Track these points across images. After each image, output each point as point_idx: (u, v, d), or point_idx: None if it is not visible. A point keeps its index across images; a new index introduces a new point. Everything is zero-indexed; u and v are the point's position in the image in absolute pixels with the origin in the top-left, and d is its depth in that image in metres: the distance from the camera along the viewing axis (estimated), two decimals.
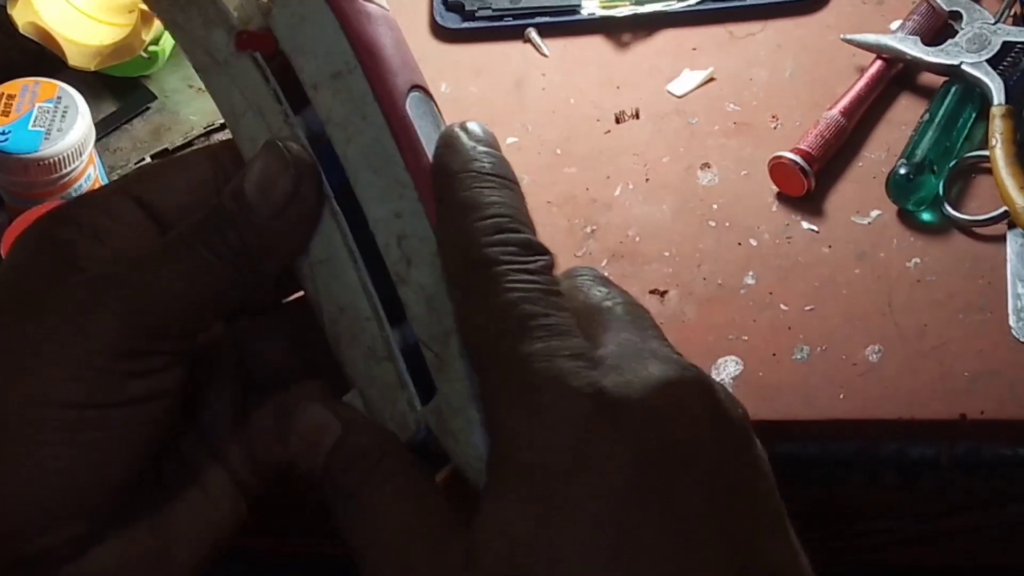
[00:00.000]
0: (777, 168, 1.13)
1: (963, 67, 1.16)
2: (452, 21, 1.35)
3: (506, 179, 0.52)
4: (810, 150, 1.13)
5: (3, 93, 1.18)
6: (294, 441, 0.52)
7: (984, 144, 1.12)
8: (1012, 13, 1.19)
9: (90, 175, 1.18)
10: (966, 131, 1.14)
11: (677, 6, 1.30)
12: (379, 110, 0.54)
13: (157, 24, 1.27)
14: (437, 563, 0.48)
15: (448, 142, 0.53)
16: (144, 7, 1.26)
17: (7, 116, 1.16)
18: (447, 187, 0.51)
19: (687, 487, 0.46)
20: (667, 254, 1.11)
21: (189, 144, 1.29)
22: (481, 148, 0.53)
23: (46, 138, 1.15)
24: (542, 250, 0.50)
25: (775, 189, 1.14)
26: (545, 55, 1.32)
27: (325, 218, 0.54)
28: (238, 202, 0.52)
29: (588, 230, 1.15)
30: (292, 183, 0.52)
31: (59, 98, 1.18)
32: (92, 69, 1.28)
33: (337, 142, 0.54)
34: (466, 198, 0.50)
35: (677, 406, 0.47)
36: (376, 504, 0.50)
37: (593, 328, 0.50)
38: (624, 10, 1.31)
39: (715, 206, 1.15)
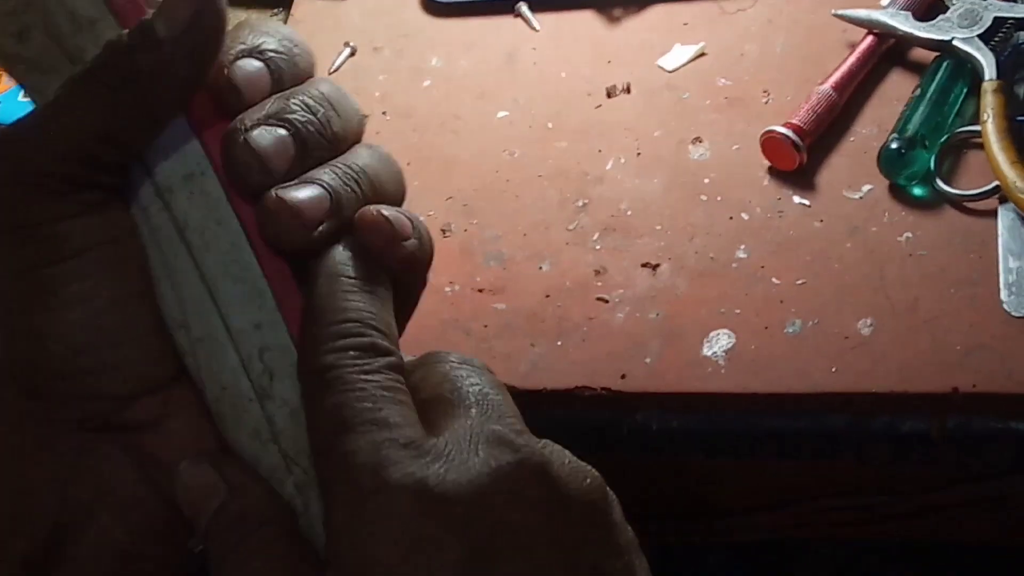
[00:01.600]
0: (769, 142, 1.13)
1: (954, 42, 1.16)
2: None
3: (366, 281, 0.53)
4: (802, 124, 1.13)
5: None
6: (181, 496, 0.53)
7: (975, 119, 1.12)
8: None
9: None
10: (957, 106, 1.14)
11: None
12: (234, 215, 0.53)
13: None
14: None
15: None
16: None
17: None
18: (307, 293, 0.53)
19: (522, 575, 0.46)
20: (659, 228, 1.11)
21: None
22: (342, 254, 0.54)
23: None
24: (385, 351, 0.51)
25: (767, 163, 1.14)
26: (536, 29, 1.32)
27: (200, 295, 0.53)
28: (142, 32, 0.52)
29: (579, 204, 1.15)
30: (193, 8, 0.52)
31: None
32: None
33: (195, 248, 0.53)
34: (320, 305, 0.52)
35: (508, 493, 0.47)
36: (246, 571, 0.51)
37: (436, 416, 0.51)
38: None
39: (707, 180, 1.15)
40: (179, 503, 0.53)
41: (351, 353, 0.50)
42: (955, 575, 1.31)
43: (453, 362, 0.54)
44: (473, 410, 0.50)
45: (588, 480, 0.50)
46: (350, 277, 0.53)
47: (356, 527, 0.47)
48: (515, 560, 0.46)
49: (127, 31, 0.52)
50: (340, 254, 0.54)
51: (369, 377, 0.50)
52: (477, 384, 0.52)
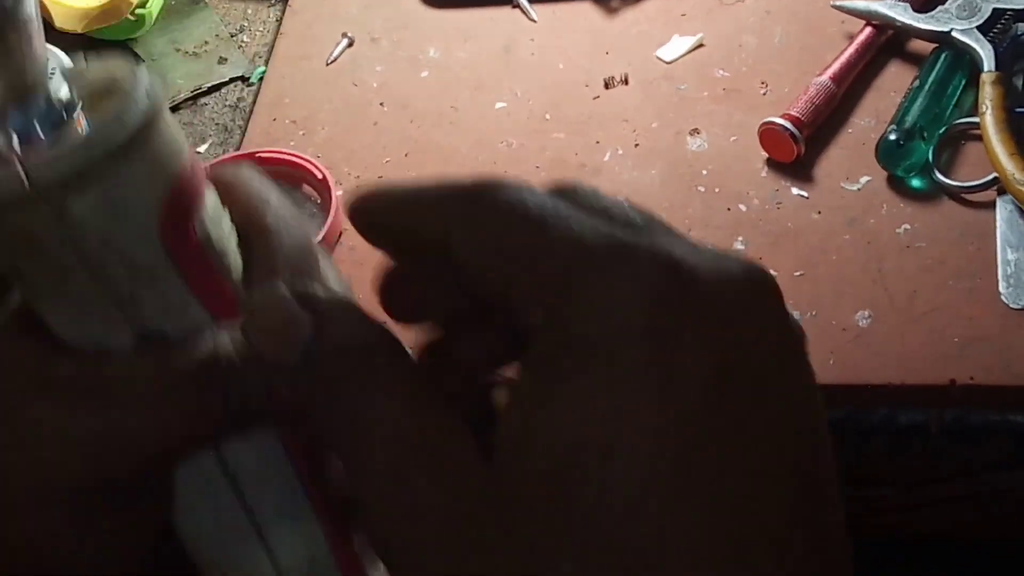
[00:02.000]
0: (767, 134, 1.13)
1: (953, 34, 1.16)
2: None
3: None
4: (800, 116, 1.13)
5: None
6: (260, 340, 0.43)
7: (974, 111, 1.12)
8: None
9: None
10: (956, 98, 1.14)
11: None
12: (291, 464, 0.48)
13: None
14: (439, 470, 0.41)
15: None
16: None
17: None
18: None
19: (762, 414, 0.39)
20: None
21: (176, 108, 1.28)
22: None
23: None
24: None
25: (764, 155, 1.14)
26: (534, 20, 1.31)
27: (246, 534, 0.49)
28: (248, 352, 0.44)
29: None
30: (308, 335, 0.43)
31: (46, 60, 1.17)
32: (79, 32, 1.27)
33: (246, 489, 0.48)
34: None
35: (756, 304, 0.40)
36: (367, 406, 0.42)
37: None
38: None
39: (704, 172, 1.14)
40: (259, 351, 0.43)
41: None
42: (953, 568, 1.31)
43: (594, 190, 0.44)
44: (662, 235, 0.41)
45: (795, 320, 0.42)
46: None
47: (597, 303, 0.38)
48: (759, 389, 0.39)
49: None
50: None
51: (526, 187, 0.41)
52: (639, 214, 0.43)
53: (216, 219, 0.47)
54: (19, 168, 0.42)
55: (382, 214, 0.45)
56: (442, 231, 0.42)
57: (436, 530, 0.40)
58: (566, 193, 0.42)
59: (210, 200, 0.46)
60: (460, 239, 0.42)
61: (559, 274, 0.39)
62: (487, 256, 0.41)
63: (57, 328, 0.46)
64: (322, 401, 0.42)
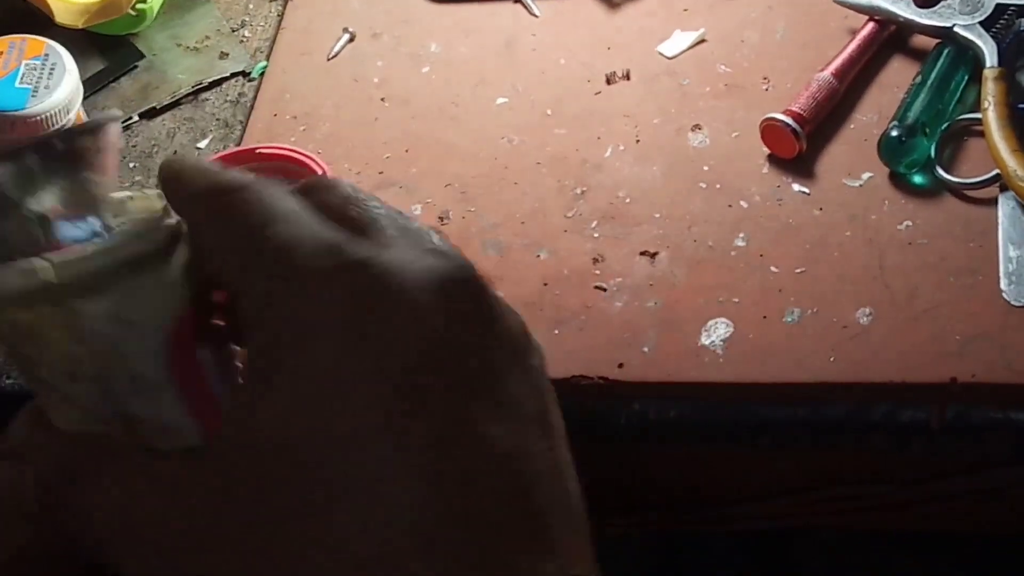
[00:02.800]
0: (768, 130, 1.13)
1: (956, 29, 1.15)
2: None
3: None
4: (801, 112, 1.13)
5: None
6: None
7: (976, 107, 1.11)
8: None
9: None
10: (958, 93, 1.14)
11: None
12: None
13: None
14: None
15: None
16: None
17: None
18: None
19: (461, 396, 0.44)
20: (657, 216, 1.11)
21: (177, 103, 1.28)
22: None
23: (33, 95, 1.14)
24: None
25: (766, 151, 1.14)
26: (536, 15, 1.31)
27: None
28: None
29: (578, 191, 1.14)
30: None
31: (46, 55, 1.17)
32: (79, 27, 1.27)
33: None
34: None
35: (454, 301, 0.44)
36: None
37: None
38: None
39: (706, 168, 1.14)
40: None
41: (234, 176, 0.47)
42: (954, 564, 1.30)
43: (350, 187, 0.49)
44: (390, 231, 0.46)
45: (514, 315, 0.47)
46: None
47: (298, 308, 0.43)
48: (458, 380, 0.43)
49: None
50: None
51: (271, 187, 0.46)
52: (383, 209, 0.48)
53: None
54: (36, 264, 0.45)
55: (172, 190, 0.49)
56: (193, 222, 0.48)
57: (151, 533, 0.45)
58: (314, 191, 0.47)
59: None
60: (200, 233, 0.47)
61: (268, 276, 0.44)
62: (215, 252, 0.46)
63: (58, 423, 0.47)
64: None
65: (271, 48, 1.33)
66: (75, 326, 0.45)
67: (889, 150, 1.09)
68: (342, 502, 0.42)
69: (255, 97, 1.28)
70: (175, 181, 0.48)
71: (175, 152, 1.24)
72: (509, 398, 0.45)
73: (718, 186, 1.12)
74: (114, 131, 0.49)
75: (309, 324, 0.43)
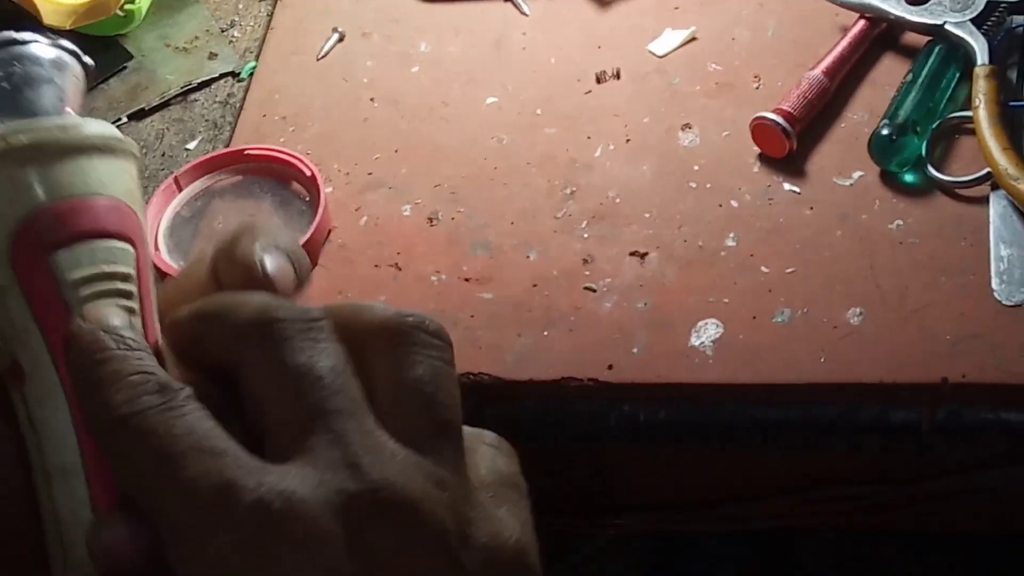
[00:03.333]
0: (759, 129, 1.12)
1: (947, 27, 1.15)
2: None
3: (132, 346, 0.50)
4: (792, 110, 1.12)
5: None
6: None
7: (967, 105, 1.11)
8: None
9: None
10: (949, 92, 1.13)
11: None
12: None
13: None
14: None
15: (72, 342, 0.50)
16: None
17: None
18: (78, 376, 0.49)
19: None
20: (647, 215, 1.10)
21: (166, 104, 1.28)
22: (90, 334, 0.50)
23: None
24: (177, 385, 0.48)
25: (757, 150, 1.13)
26: (526, 14, 1.31)
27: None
28: None
29: (568, 191, 1.14)
30: None
31: None
32: (67, 28, 1.26)
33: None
34: (94, 378, 0.49)
35: (355, 526, 0.45)
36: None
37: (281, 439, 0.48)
38: None
39: (696, 167, 1.14)
40: None
41: (145, 397, 0.47)
42: (946, 564, 1.30)
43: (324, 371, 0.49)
44: (324, 423, 0.47)
45: (441, 510, 0.47)
46: (117, 349, 0.49)
47: (197, 558, 0.45)
48: None
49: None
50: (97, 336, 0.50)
51: (177, 413, 0.47)
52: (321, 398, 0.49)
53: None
54: None
55: (190, 339, 0.51)
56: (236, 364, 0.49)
57: None
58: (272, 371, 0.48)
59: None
60: (245, 376, 0.49)
61: (172, 524, 0.46)
62: (256, 401, 0.48)
63: None
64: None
65: (260, 48, 1.32)
66: None
67: (880, 148, 1.09)
68: None
69: (244, 98, 1.27)
70: (82, 381, 0.49)
71: (164, 155, 1.23)
72: None
73: (708, 186, 1.12)
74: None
75: (215, 571, 0.44)
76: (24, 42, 0.52)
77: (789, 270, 1.05)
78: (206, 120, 1.26)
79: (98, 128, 0.52)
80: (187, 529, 0.45)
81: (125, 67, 1.31)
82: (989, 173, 1.06)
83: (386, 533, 0.45)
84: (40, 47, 0.53)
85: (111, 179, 0.51)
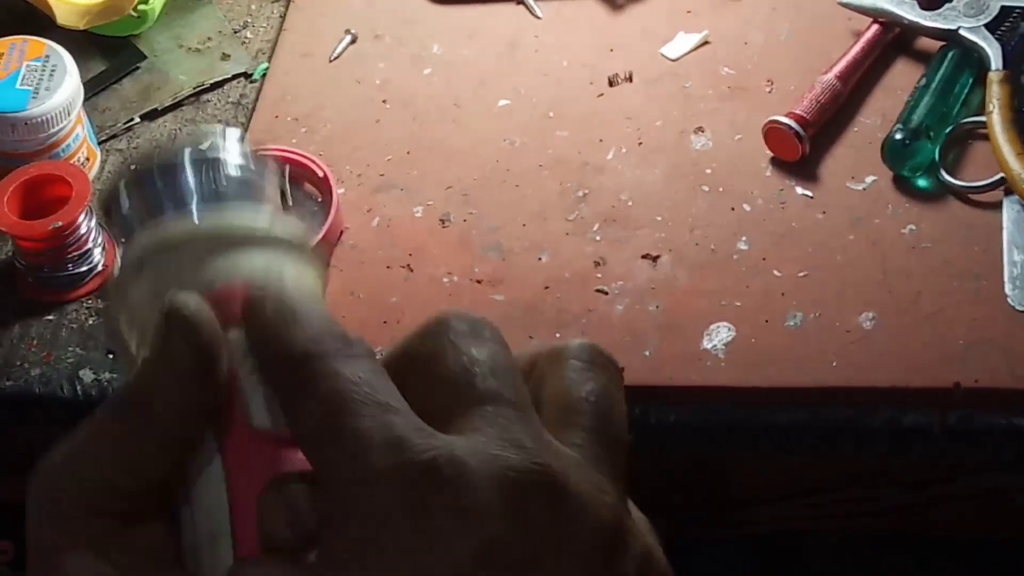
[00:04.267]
0: (771, 133, 1.12)
1: (960, 32, 1.15)
2: None
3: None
4: (805, 115, 1.12)
5: None
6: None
7: (981, 110, 1.11)
8: None
9: (78, 135, 1.17)
10: (963, 96, 1.13)
11: None
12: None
13: None
14: None
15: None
16: None
17: None
18: (263, 315, 0.49)
19: None
20: (659, 219, 1.11)
21: (178, 104, 1.28)
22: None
23: (34, 97, 1.14)
24: (357, 337, 0.48)
25: (769, 154, 1.13)
26: (538, 17, 1.31)
27: None
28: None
29: (580, 194, 1.14)
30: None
31: (47, 57, 1.16)
32: (81, 28, 1.26)
33: None
34: (281, 316, 0.48)
35: (518, 503, 0.44)
36: None
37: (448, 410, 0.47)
38: None
39: (708, 171, 1.14)
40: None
41: (328, 340, 0.47)
42: (956, 568, 1.30)
43: (460, 346, 0.48)
44: (489, 408, 0.46)
45: (607, 507, 0.46)
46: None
47: (363, 501, 0.44)
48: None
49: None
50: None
51: (357, 362, 0.47)
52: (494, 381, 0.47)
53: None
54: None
55: (259, 331, 0.49)
56: (271, 380, 0.48)
57: None
58: (427, 359, 0.48)
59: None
60: (281, 395, 0.48)
61: (340, 469, 0.45)
62: (295, 423, 0.47)
63: None
64: None
65: (273, 49, 1.32)
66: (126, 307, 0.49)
67: (893, 153, 1.09)
68: None
69: (256, 99, 1.27)
70: (264, 320, 0.48)
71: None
72: None
73: (720, 189, 1.12)
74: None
75: (373, 523, 0.44)
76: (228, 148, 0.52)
77: (801, 274, 1.05)
78: (218, 121, 1.26)
79: (289, 227, 0.52)
80: (350, 481, 0.44)
81: (138, 67, 1.31)
82: (1003, 178, 1.06)
83: (549, 518, 0.44)
84: (243, 151, 0.53)
85: (297, 276, 0.52)
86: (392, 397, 0.46)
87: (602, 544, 0.45)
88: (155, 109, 1.27)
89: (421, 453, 0.44)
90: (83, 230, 1.10)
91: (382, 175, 1.18)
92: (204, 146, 0.53)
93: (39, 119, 1.14)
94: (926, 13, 1.17)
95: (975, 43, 1.14)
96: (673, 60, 1.24)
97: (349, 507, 0.44)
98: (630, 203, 1.12)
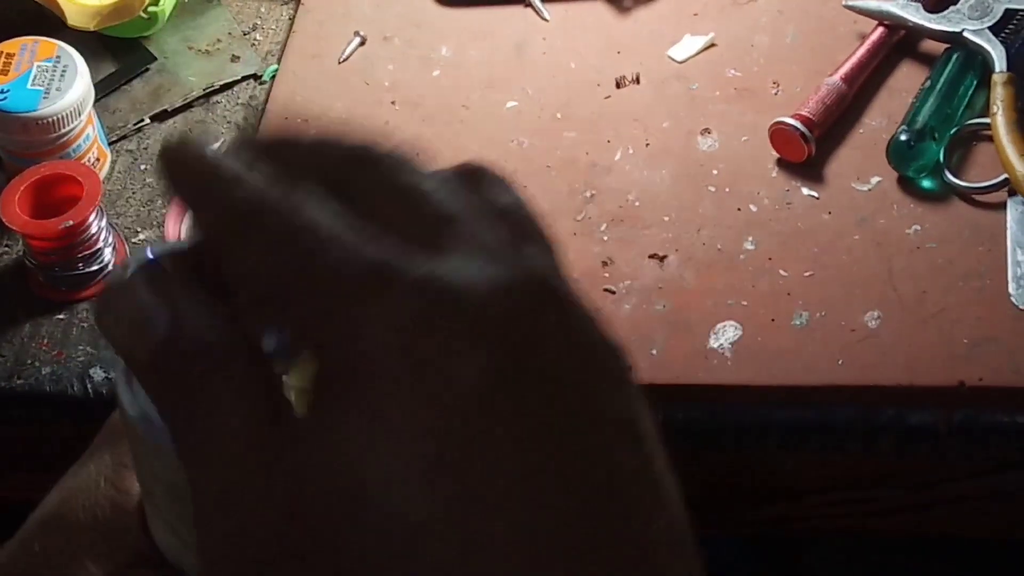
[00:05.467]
0: (778, 134, 1.13)
1: (965, 34, 1.15)
2: None
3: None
4: (811, 116, 1.13)
5: (2, 51, 1.18)
6: (114, 330, 0.43)
7: (985, 111, 1.12)
8: None
9: (89, 135, 1.18)
10: (967, 98, 1.14)
11: None
12: None
13: None
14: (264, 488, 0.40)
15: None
16: None
17: (6, 75, 1.16)
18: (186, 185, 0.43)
19: (545, 414, 0.39)
20: (667, 219, 1.11)
21: (188, 106, 1.29)
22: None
23: (45, 97, 1.14)
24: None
25: (775, 155, 1.14)
26: (546, 19, 1.31)
27: None
28: None
29: (588, 194, 1.14)
30: None
31: (58, 57, 1.17)
32: (91, 29, 1.27)
33: None
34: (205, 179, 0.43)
35: (531, 312, 0.39)
36: (212, 412, 0.41)
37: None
38: None
39: (715, 171, 1.14)
40: (111, 341, 0.43)
41: (273, 190, 0.41)
42: (962, 568, 1.31)
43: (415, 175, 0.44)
44: (461, 230, 0.41)
45: (599, 323, 0.41)
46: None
47: (357, 333, 0.39)
48: (537, 392, 0.39)
49: None
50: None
51: (313, 203, 0.41)
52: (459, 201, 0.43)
53: None
54: None
55: (189, 190, 0.43)
56: (215, 235, 0.42)
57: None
58: (373, 178, 0.43)
59: None
60: (232, 259, 0.42)
61: (319, 310, 0.40)
62: (251, 279, 0.41)
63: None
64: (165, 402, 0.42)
65: (282, 51, 1.33)
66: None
67: (898, 154, 1.10)
68: (417, 543, 0.38)
69: (266, 100, 1.28)
70: (188, 178, 0.43)
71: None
72: (596, 418, 0.40)
73: (727, 190, 1.13)
74: None
75: (362, 359, 0.39)
76: None
77: (807, 273, 1.05)
78: (228, 122, 1.27)
79: None
80: (335, 316, 0.39)
81: (148, 69, 1.32)
82: (1006, 179, 1.07)
83: (556, 321, 0.40)
84: None
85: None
86: (363, 229, 0.40)
87: (609, 348, 0.41)
88: (165, 110, 1.28)
89: (411, 273, 0.39)
90: (93, 229, 1.11)
91: None
92: None
93: (50, 119, 1.14)
94: (931, 16, 1.18)
95: (979, 45, 1.14)
96: (680, 62, 1.25)
97: (330, 354, 0.40)
98: (637, 203, 1.13)
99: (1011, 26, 1.15)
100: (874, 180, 1.11)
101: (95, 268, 1.13)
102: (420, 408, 0.38)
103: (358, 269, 0.39)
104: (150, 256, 0.44)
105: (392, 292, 0.39)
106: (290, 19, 1.36)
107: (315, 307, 0.40)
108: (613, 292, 1.07)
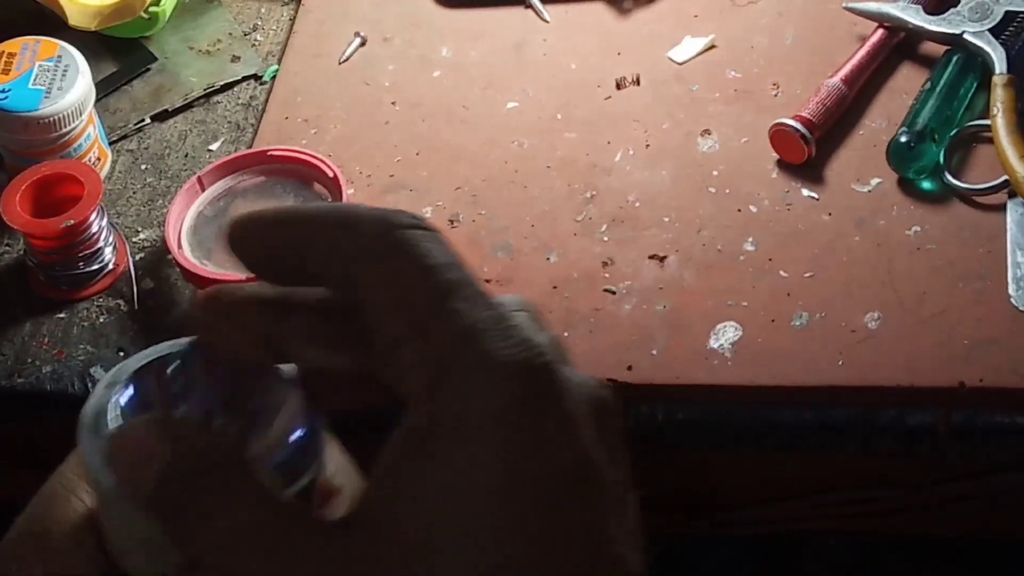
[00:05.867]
0: (778, 135, 1.13)
1: (965, 36, 1.16)
2: None
3: None
4: (811, 117, 1.13)
5: (3, 51, 1.18)
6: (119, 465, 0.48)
7: (985, 113, 1.12)
8: None
9: (89, 135, 1.18)
10: (967, 100, 1.14)
11: None
12: None
13: None
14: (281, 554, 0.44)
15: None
16: None
17: (7, 74, 1.16)
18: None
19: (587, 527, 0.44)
20: (667, 220, 1.11)
21: (189, 106, 1.29)
22: None
23: (46, 97, 1.14)
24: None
25: (775, 156, 1.14)
26: (546, 20, 1.32)
27: None
28: None
29: (588, 195, 1.15)
30: None
31: (59, 57, 1.17)
32: (92, 29, 1.27)
33: None
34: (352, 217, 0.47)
35: (601, 419, 0.45)
36: (212, 510, 0.45)
37: None
38: None
39: (715, 172, 1.15)
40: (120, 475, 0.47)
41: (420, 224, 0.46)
42: (962, 568, 1.31)
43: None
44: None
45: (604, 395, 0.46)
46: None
47: (457, 400, 0.43)
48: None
49: None
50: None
51: (442, 239, 0.46)
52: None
53: None
54: None
55: (272, 244, 0.47)
56: (342, 271, 0.45)
57: None
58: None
59: None
60: (367, 283, 0.45)
61: (447, 348, 0.43)
62: (389, 308, 0.45)
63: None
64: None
65: (283, 52, 1.33)
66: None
67: (898, 156, 1.10)
68: None
69: (266, 100, 1.28)
70: (335, 231, 0.46)
71: (186, 155, 1.24)
72: (627, 515, 0.45)
73: (727, 191, 1.13)
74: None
75: (476, 418, 0.42)
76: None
77: (807, 274, 1.05)
78: (228, 122, 1.27)
79: None
80: (468, 367, 0.43)
81: (149, 69, 1.32)
82: (1006, 181, 1.07)
83: (612, 432, 0.45)
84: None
85: None
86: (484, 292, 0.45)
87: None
88: (166, 110, 1.28)
89: (542, 355, 0.43)
90: (94, 229, 1.11)
91: (391, 176, 1.19)
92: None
93: (51, 118, 1.14)
94: (931, 17, 1.18)
95: (979, 47, 1.15)
96: (680, 64, 1.25)
97: (446, 403, 0.43)
98: (637, 204, 1.13)
99: (1011, 28, 1.15)
100: (874, 181, 1.11)
101: (96, 267, 1.13)
102: (511, 482, 0.42)
103: (498, 334, 0.43)
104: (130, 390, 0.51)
105: (527, 367, 0.43)
106: (290, 19, 1.37)
107: (447, 357, 0.43)
108: (613, 292, 1.07)
